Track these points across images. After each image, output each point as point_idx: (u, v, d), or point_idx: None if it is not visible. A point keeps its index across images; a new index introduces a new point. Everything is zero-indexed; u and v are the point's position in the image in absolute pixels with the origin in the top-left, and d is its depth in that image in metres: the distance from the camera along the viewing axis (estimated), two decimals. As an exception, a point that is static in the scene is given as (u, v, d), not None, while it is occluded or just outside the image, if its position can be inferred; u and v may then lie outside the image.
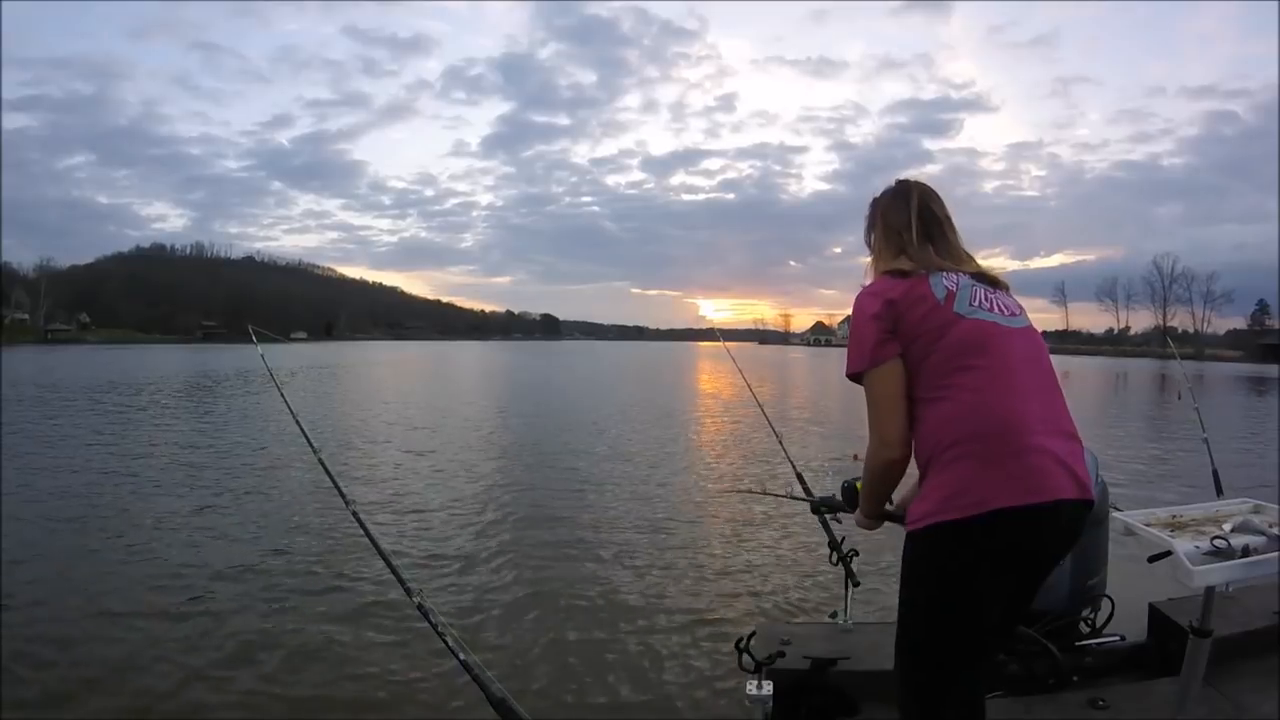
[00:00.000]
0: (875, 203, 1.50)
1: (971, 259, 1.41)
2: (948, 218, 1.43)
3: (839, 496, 1.81)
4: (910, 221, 1.40)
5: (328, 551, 4.72)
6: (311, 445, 2.27)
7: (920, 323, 1.29)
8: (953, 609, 1.25)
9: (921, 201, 1.43)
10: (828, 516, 2.49)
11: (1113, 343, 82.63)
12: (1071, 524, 1.25)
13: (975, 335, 1.28)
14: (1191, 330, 77.71)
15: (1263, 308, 76.59)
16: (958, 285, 1.33)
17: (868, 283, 1.41)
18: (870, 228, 1.50)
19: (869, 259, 1.48)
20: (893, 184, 1.50)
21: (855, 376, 1.35)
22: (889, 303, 1.31)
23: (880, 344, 1.31)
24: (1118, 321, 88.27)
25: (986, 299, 1.33)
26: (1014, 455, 1.20)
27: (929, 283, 1.32)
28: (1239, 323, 79.31)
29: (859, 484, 1.55)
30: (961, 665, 1.28)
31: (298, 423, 2.40)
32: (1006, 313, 1.34)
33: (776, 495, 3.96)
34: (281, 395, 2.65)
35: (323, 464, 2.16)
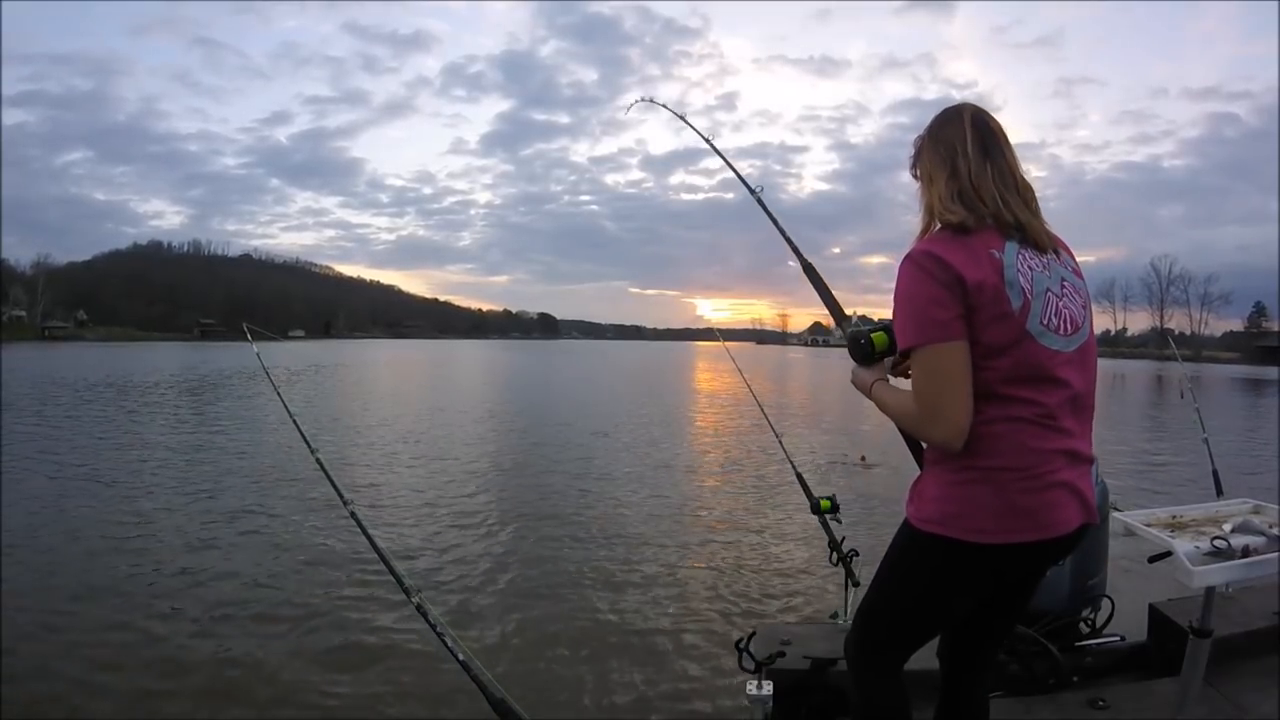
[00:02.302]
0: (920, 137, 1.33)
1: (1031, 192, 1.25)
2: (1005, 135, 1.27)
3: (859, 341, 1.38)
4: (965, 133, 1.24)
5: (326, 552, 4.71)
6: (309, 445, 2.26)
7: (986, 327, 1.15)
8: (931, 609, 1.30)
9: (976, 116, 1.27)
10: (828, 517, 2.50)
11: (1109, 344, 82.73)
12: (1071, 545, 1.25)
13: (1034, 365, 1.16)
14: (1188, 332, 77.83)
15: (1260, 310, 76.78)
16: (1033, 288, 1.17)
17: (927, 208, 1.26)
18: (917, 157, 1.32)
19: (919, 187, 1.31)
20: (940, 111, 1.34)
21: (907, 350, 1.20)
22: (960, 280, 1.14)
23: (955, 318, 1.14)
24: (1115, 323, 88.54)
25: (1057, 313, 1.19)
26: (1033, 493, 1.16)
27: (1005, 277, 1.15)
28: (1236, 325, 79.61)
29: (875, 337, 1.33)
30: (919, 645, 1.35)
31: (295, 423, 2.39)
32: (1071, 327, 1.21)
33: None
34: (279, 395, 2.64)
35: (321, 464, 2.15)
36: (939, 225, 1.24)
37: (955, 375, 1.14)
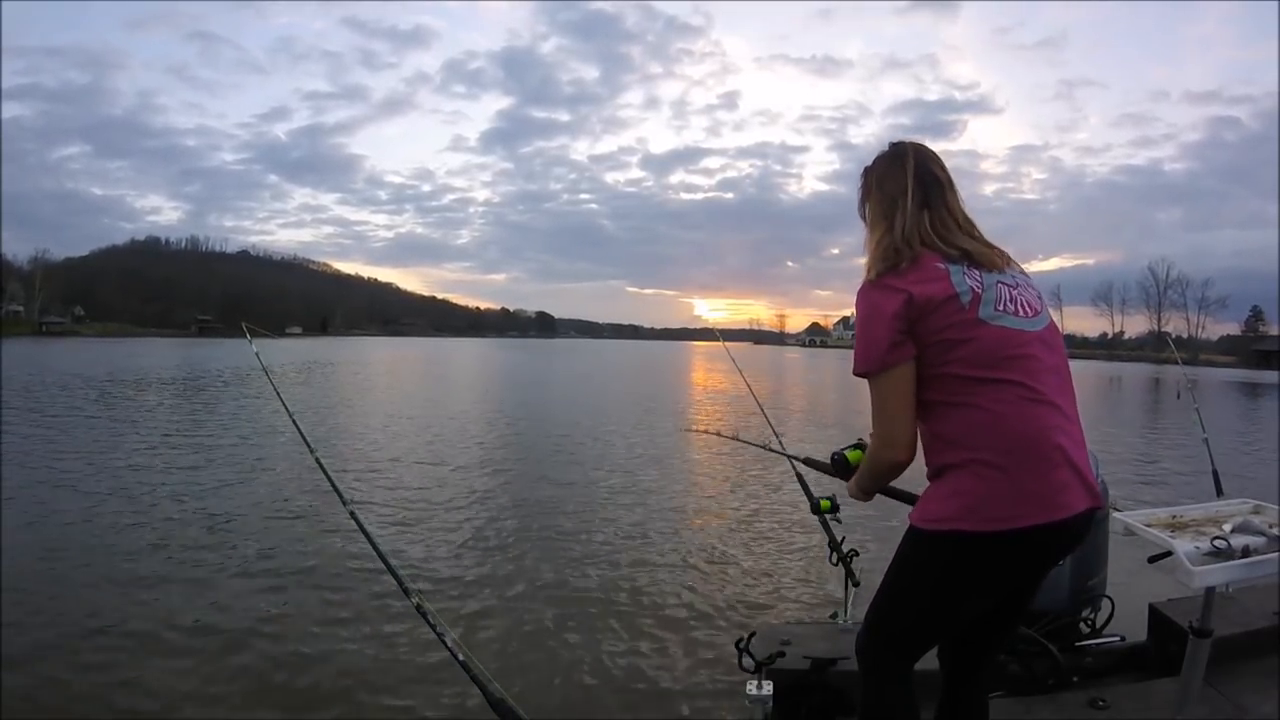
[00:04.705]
0: (868, 171, 1.39)
1: (973, 225, 1.32)
2: (949, 180, 1.32)
3: (830, 463, 1.64)
4: (907, 187, 1.29)
5: (325, 552, 4.68)
6: (309, 445, 2.24)
7: (943, 328, 1.21)
8: (943, 609, 1.29)
9: (919, 163, 1.31)
10: (828, 517, 2.50)
11: (1107, 347, 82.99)
12: (1082, 531, 1.26)
13: (1000, 345, 1.22)
14: (1185, 335, 77.97)
15: (1257, 314, 77.06)
16: (982, 285, 1.24)
17: (869, 257, 1.30)
18: (864, 198, 1.39)
19: (866, 230, 1.37)
20: (886, 147, 1.38)
21: (862, 375, 1.29)
22: (909, 300, 1.21)
23: (895, 345, 1.22)
24: (1112, 326, 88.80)
25: (1011, 300, 1.26)
26: (1037, 473, 1.18)
27: (951, 280, 1.23)
28: (1233, 329, 79.89)
29: (849, 454, 1.52)
30: (932, 647, 1.38)
31: (294, 423, 2.38)
32: (1029, 312, 1.27)
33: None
34: (279, 396, 2.63)
35: (320, 464, 2.14)
36: (878, 267, 1.27)
37: (898, 395, 1.24)
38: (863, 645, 1.38)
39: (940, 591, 1.27)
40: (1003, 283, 1.26)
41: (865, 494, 1.44)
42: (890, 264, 1.25)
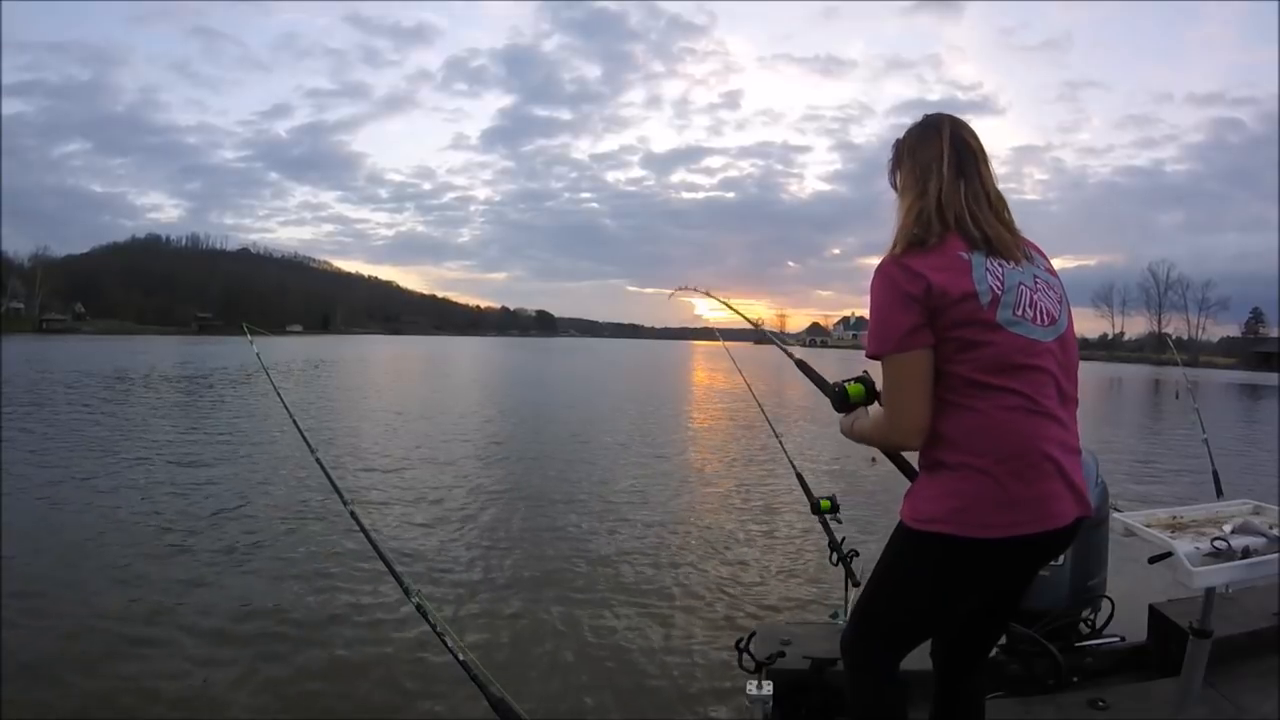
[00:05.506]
0: (899, 142, 1.36)
1: (1004, 202, 1.29)
2: (983, 151, 1.29)
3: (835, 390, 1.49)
4: (943, 153, 1.26)
5: (325, 552, 4.68)
6: (309, 445, 2.24)
7: (958, 326, 1.18)
8: (932, 609, 1.30)
9: (954, 133, 1.28)
10: (828, 517, 2.50)
11: (1107, 348, 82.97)
12: (1069, 539, 1.26)
13: (1012, 353, 1.18)
14: (1186, 337, 77.91)
15: (1257, 315, 77.04)
16: (1004, 284, 1.20)
17: (898, 226, 1.27)
18: (895, 168, 1.35)
19: (897, 199, 1.33)
20: (920, 119, 1.35)
21: (875, 357, 1.24)
22: (929, 288, 1.17)
23: (914, 329, 1.18)
24: (1112, 327, 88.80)
25: (1031, 304, 1.22)
26: (1029, 483, 1.17)
27: (973, 275, 1.19)
28: (1233, 330, 79.90)
29: (850, 387, 1.42)
30: (917, 645, 1.35)
31: (295, 423, 2.37)
32: (1047, 320, 1.23)
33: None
34: (278, 395, 2.62)
35: (321, 464, 2.13)
36: (904, 241, 1.25)
37: (914, 382, 1.19)
38: (849, 641, 1.37)
39: (927, 589, 1.27)
40: (1024, 284, 1.22)
41: (858, 442, 1.39)
42: (919, 236, 1.22)
